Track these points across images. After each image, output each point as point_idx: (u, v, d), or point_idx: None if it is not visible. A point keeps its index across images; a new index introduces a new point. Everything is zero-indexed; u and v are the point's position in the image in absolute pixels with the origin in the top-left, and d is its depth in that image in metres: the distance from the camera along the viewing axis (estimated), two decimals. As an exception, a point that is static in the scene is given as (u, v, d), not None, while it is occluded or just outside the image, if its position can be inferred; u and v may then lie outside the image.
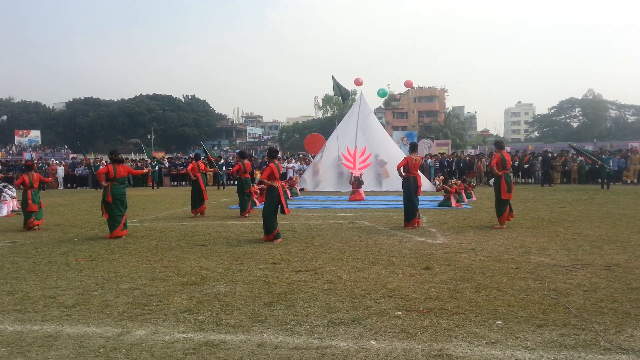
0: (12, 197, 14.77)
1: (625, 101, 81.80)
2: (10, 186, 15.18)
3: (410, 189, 10.19)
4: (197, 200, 12.86)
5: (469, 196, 15.84)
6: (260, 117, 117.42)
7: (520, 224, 10.34)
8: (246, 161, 12.88)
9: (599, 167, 21.27)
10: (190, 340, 4.03)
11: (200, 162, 13.28)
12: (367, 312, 4.64)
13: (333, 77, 21.63)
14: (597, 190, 20.11)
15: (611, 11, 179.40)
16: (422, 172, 22.57)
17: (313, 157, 25.38)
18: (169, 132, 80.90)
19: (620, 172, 23.90)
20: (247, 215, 12.44)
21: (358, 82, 21.68)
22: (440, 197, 15.11)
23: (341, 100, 24.64)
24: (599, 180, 21.94)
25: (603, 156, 22.37)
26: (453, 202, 14.09)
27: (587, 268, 6.28)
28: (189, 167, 13.44)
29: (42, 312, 4.85)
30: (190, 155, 45.75)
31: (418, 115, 78.83)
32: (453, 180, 16.61)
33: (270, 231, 8.65)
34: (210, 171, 19.68)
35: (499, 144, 10.61)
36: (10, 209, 14.27)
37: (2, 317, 4.71)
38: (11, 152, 54.55)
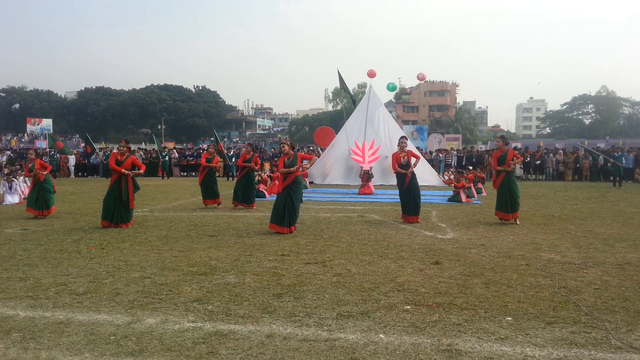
0: (23, 185, 14.90)
1: (639, 98, 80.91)
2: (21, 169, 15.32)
3: (401, 185, 10.20)
4: (211, 192, 12.87)
5: (479, 191, 15.76)
6: (271, 109, 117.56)
7: (530, 221, 10.26)
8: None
9: (612, 164, 21.04)
10: (200, 329, 4.06)
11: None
12: (376, 306, 4.64)
13: (338, 71, 21.58)
14: (609, 187, 19.92)
15: (626, 6, 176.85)
16: (432, 167, 22.52)
17: (322, 150, 25.33)
18: (180, 123, 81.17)
19: (633, 170, 23.64)
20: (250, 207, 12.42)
21: (371, 74, 21.60)
22: (450, 192, 15.05)
23: (350, 97, 24.61)
24: (611, 178, 21.72)
25: (615, 154, 22.13)
26: (463, 198, 14.02)
27: (598, 266, 6.23)
28: (215, 160, 13.19)
29: (54, 298, 4.90)
30: (201, 146, 45.95)
31: (429, 109, 78.47)
32: (469, 170, 16.62)
33: (296, 220, 8.88)
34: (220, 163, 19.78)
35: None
36: (23, 197, 14.41)
37: (14, 303, 4.77)
38: (23, 140, 55.03)
